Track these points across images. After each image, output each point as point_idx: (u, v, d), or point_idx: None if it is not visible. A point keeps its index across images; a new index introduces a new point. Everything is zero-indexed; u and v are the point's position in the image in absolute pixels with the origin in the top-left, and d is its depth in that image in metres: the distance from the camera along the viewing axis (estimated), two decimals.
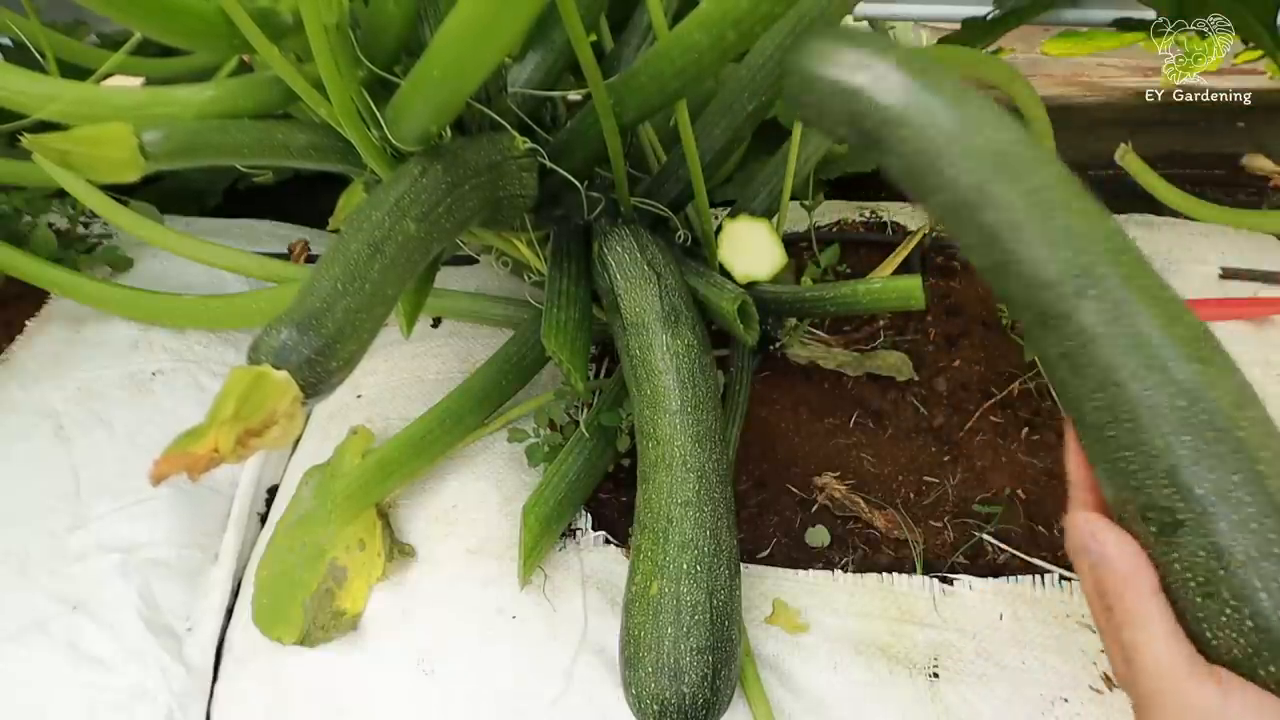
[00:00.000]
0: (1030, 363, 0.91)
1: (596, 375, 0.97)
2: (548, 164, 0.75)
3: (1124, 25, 1.30)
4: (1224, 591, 0.39)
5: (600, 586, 0.77)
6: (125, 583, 0.80)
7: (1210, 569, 0.40)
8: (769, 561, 0.78)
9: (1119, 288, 0.44)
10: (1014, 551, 0.76)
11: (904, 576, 0.75)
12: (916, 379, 0.92)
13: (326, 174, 0.79)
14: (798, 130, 0.85)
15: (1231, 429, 0.41)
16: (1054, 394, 0.47)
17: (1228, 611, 0.39)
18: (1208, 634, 0.40)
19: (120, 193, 1.03)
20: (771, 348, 0.95)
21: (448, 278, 1.09)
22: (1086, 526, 0.45)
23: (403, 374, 0.97)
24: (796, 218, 1.16)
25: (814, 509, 0.81)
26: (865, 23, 1.48)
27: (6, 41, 1.11)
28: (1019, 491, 0.81)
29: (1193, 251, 1.07)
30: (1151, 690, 0.41)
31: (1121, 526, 0.44)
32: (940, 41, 1.35)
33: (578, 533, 0.80)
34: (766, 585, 0.75)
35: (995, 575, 0.74)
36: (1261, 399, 0.43)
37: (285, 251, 1.20)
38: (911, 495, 0.82)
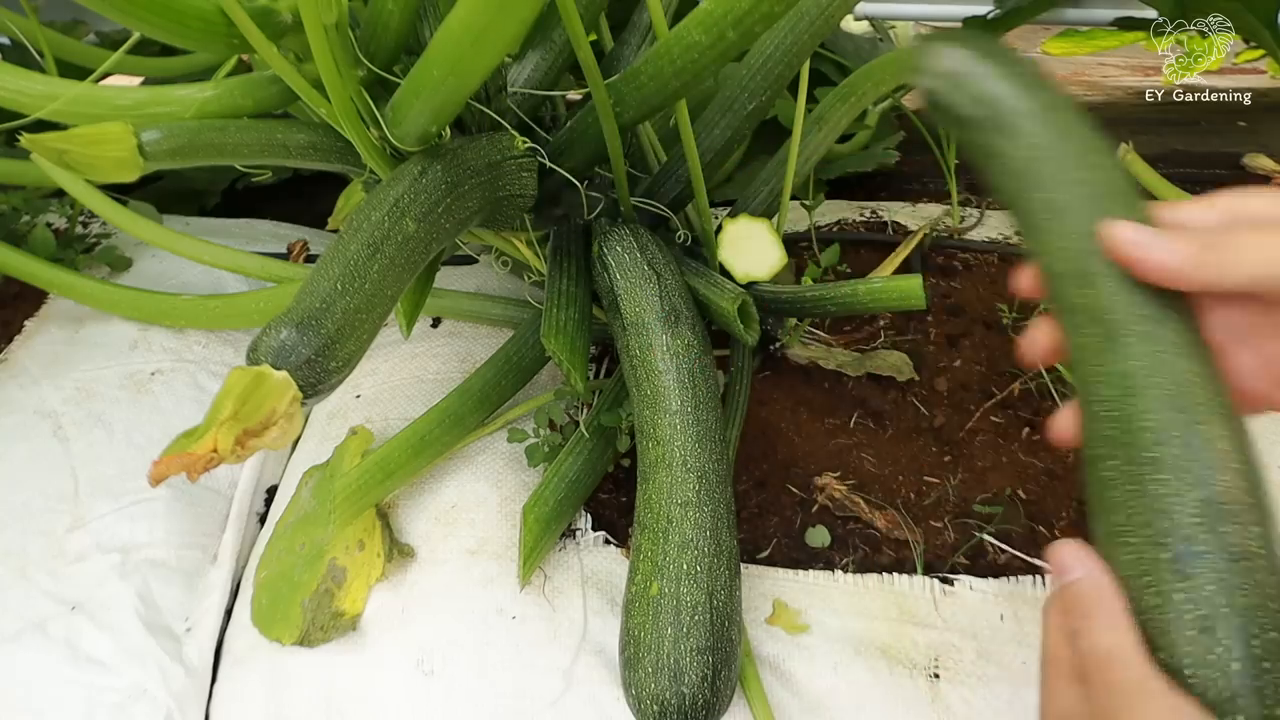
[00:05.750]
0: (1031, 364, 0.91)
1: (596, 375, 0.97)
2: (547, 164, 0.75)
3: (1125, 24, 1.30)
4: (1219, 631, 0.39)
5: (600, 587, 0.76)
6: (124, 583, 0.80)
7: (1213, 604, 0.40)
8: (769, 561, 0.78)
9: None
10: (1015, 552, 0.76)
11: (904, 577, 0.75)
12: (917, 379, 0.92)
13: (326, 174, 0.79)
14: (798, 130, 0.85)
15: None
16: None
17: (1218, 650, 0.39)
18: (1186, 670, 0.40)
19: (119, 192, 1.03)
20: (772, 348, 0.95)
21: (448, 278, 1.09)
22: (1068, 548, 0.44)
23: (402, 374, 0.97)
24: (797, 217, 1.16)
25: (814, 509, 0.81)
26: (865, 22, 1.48)
27: (5, 41, 1.10)
28: (1019, 492, 0.81)
29: None
30: (1127, 700, 0.39)
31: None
32: None
33: (577, 533, 0.80)
34: (766, 585, 0.75)
35: (996, 576, 0.74)
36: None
37: (285, 251, 1.20)
38: (912, 495, 0.82)
